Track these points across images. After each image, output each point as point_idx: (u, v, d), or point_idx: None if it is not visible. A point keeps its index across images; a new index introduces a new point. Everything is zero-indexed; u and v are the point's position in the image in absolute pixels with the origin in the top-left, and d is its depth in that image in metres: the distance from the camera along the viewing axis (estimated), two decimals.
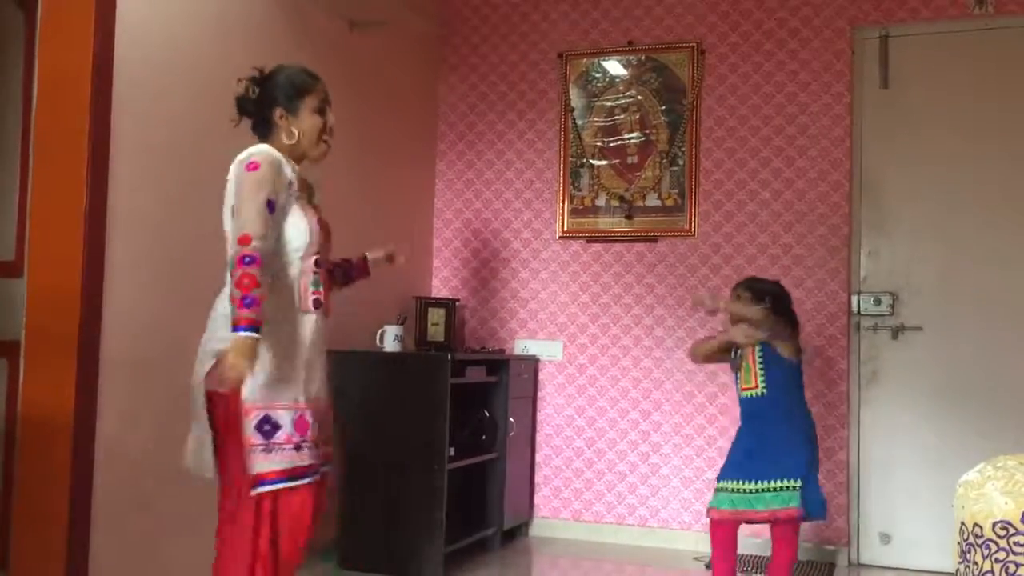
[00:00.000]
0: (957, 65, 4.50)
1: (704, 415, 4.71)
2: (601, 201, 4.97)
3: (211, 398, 2.42)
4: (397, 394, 4.08)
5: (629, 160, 4.94)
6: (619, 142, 4.96)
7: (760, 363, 3.59)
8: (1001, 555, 1.89)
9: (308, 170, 2.71)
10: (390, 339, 4.37)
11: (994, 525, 1.91)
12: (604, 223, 4.96)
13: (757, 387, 3.58)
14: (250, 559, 2.39)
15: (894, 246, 4.54)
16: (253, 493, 2.38)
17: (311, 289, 2.53)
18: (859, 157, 4.60)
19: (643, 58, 4.95)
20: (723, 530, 3.53)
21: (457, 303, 4.92)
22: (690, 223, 4.80)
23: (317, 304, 2.54)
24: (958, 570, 2.01)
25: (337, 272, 2.85)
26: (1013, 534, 1.89)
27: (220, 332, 2.40)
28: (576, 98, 5.05)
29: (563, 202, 5.03)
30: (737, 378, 3.68)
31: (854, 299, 4.55)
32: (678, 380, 4.78)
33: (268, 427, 2.39)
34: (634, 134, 4.93)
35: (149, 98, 3.19)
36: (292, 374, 2.46)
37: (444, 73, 5.33)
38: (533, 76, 5.15)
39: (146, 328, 3.15)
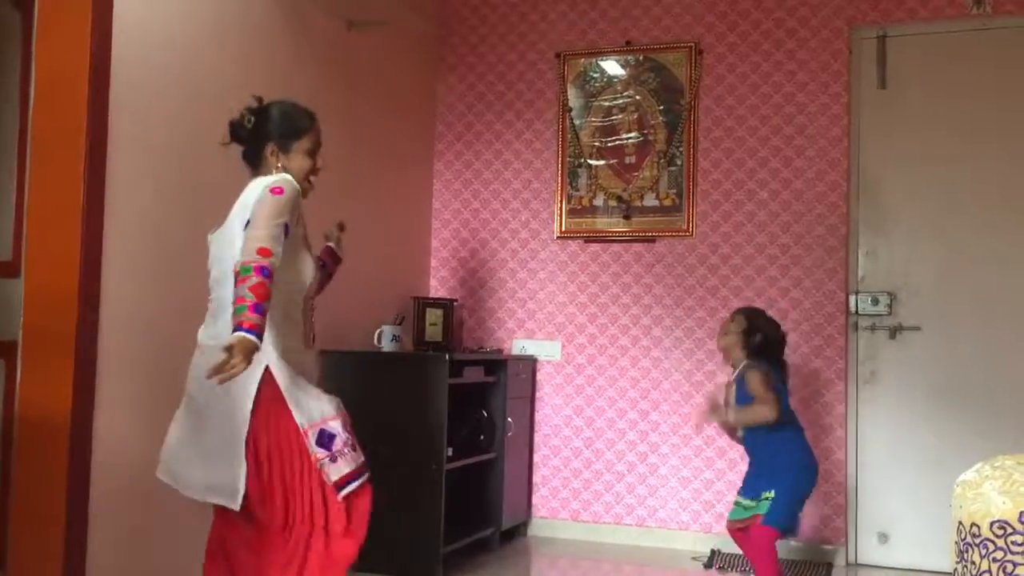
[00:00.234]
0: (955, 65, 4.50)
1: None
2: (599, 201, 4.97)
3: (254, 432, 2.49)
4: (395, 394, 4.08)
5: (627, 160, 4.94)
6: (617, 142, 4.96)
7: (734, 397, 3.66)
8: (999, 554, 1.90)
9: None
10: (388, 339, 4.37)
11: (992, 525, 1.91)
12: (602, 223, 4.96)
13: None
14: (327, 562, 2.50)
15: (892, 246, 4.55)
16: (339, 498, 2.51)
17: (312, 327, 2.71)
18: (857, 157, 4.60)
19: (641, 58, 4.95)
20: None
21: (455, 303, 4.92)
22: (688, 223, 4.80)
23: (314, 340, 2.73)
24: (956, 570, 2.01)
25: (322, 273, 2.90)
26: (1011, 533, 1.89)
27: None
28: (574, 98, 5.05)
29: (561, 202, 5.03)
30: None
31: (852, 299, 4.56)
32: (676, 380, 4.78)
33: (327, 439, 2.52)
34: (632, 134, 4.93)
35: (146, 98, 3.19)
36: (318, 392, 2.59)
37: (442, 73, 5.33)
38: (531, 76, 5.15)
39: (143, 328, 3.14)
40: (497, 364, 4.62)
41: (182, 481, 2.59)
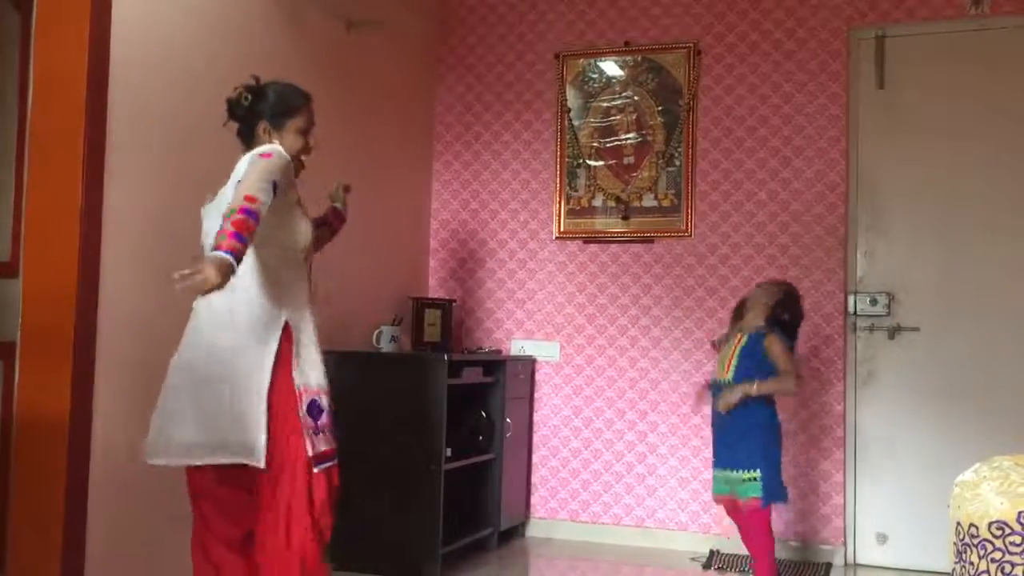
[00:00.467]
0: (953, 65, 4.50)
1: (701, 415, 4.70)
2: (598, 202, 4.97)
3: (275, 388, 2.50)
4: (393, 395, 4.08)
5: (626, 161, 4.94)
6: (616, 143, 4.96)
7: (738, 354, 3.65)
8: (997, 555, 1.90)
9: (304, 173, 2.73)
10: (386, 340, 4.37)
11: (990, 525, 1.91)
12: (600, 224, 4.96)
13: (727, 374, 3.66)
14: (312, 532, 2.52)
15: (891, 246, 4.55)
16: (317, 470, 2.50)
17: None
18: (855, 158, 4.61)
19: (639, 59, 4.95)
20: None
21: (453, 303, 4.92)
22: (687, 224, 4.80)
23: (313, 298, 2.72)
24: (954, 570, 2.02)
25: (324, 232, 3.00)
26: (1009, 534, 1.89)
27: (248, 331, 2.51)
28: (573, 99, 5.05)
29: (559, 203, 5.03)
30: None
31: (851, 299, 4.56)
32: (675, 381, 4.78)
33: (316, 411, 2.54)
34: (630, 135, 4.94)
35: (145, 98, 3.19)
36: (320, 361, 2.60)
37: (441, 73, 5.33)
38: (530, 77, 5.15)
39: (142, 328, 3.14)
40: (496, 365, 4.62)
41: (181, 449, 2.52)
